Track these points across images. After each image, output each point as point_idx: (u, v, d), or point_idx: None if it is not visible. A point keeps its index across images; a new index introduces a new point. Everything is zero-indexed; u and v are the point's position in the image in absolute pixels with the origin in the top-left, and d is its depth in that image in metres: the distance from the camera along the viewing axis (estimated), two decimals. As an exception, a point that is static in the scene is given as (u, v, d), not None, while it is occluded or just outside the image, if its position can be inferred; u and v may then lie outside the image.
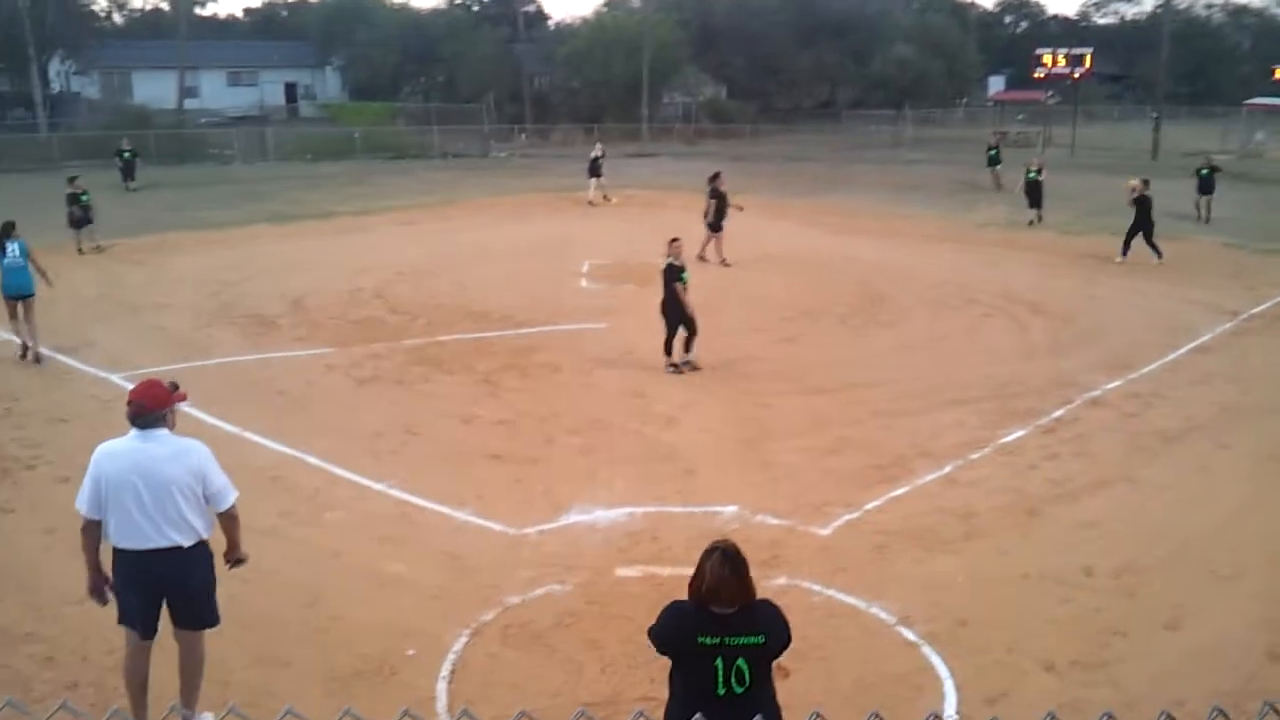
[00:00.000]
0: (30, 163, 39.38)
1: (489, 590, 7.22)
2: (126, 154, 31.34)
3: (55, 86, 57.19)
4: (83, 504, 5.31)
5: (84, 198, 20.77)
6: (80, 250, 20.57)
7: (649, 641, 4.16)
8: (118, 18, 65.08)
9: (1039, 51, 47.49)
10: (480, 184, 34.88)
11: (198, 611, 5.49)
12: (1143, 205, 19.36)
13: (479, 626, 6.73)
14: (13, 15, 46.24)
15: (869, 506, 8.71)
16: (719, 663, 3.92)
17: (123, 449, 5.30)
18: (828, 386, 12.23)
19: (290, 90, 64.93)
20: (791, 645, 4.14)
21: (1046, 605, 7.04)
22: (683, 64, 60.45)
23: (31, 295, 13.16)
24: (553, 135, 54.97)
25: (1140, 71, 70.91)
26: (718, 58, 64.98)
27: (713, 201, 19.64)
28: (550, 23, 75.12)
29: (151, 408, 5.32)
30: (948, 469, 9.56)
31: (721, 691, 3.92)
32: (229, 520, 5.50)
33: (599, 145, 30.97)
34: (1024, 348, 14.05)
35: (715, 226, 19.69)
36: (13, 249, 13.12)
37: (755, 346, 14.05)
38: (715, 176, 20.04)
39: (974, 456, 9.89)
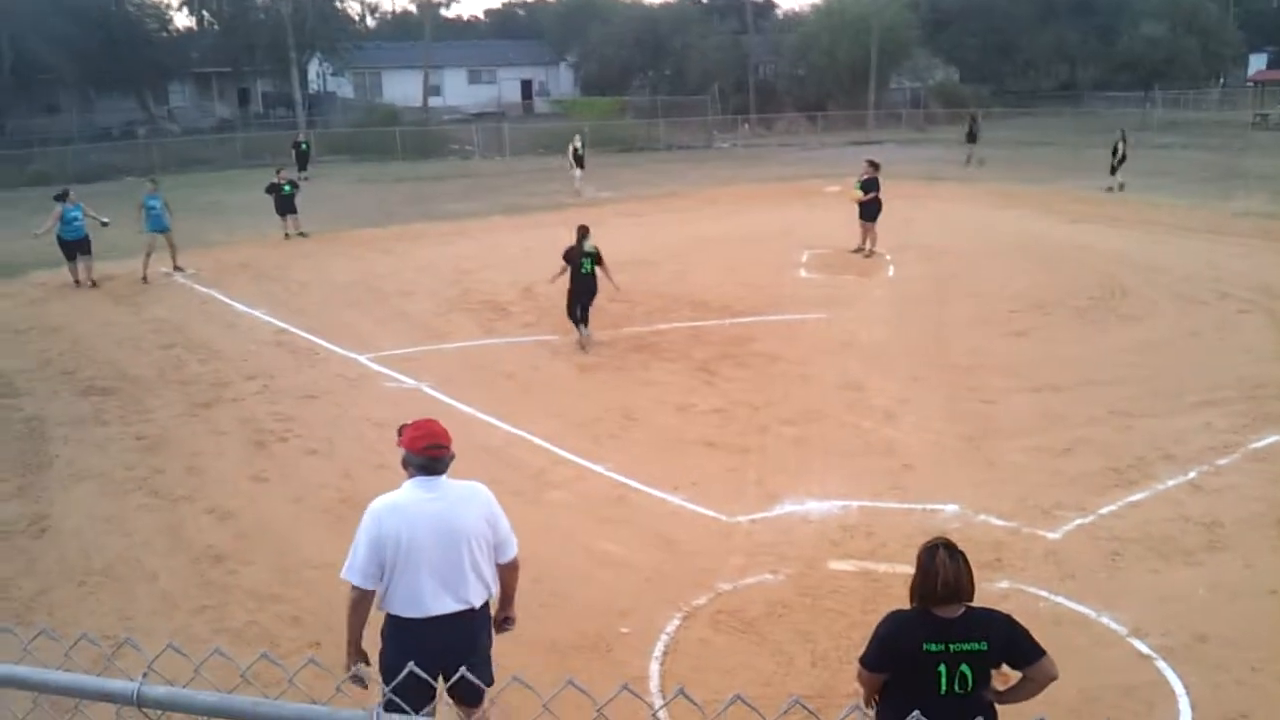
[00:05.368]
0: (290, 158, 42.81)
1: (701, 575, 7.34)
2: (303, 146, 33.64)
3: (313, 87, 61.65)
4: (355, 573, 4.44)
5: (286, 189, 22.65)
6: (286, 236, 22.70)
7: (860, 668, 4.07)
8: (370, 21, 69.60)
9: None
10: (704, 174, 35.14)
11: (481, 681, 4.45)
12: None
13: (691, 610, 6.85)
14: (277, 22, 50.48)
15: (1103, 511, 8.27)
16: (942, 669, 3.87)
17: (408, 501, 4.50)
18: (1061, 383, 11.65)
19: (526, 87, 67.39)
20: (1039, 656, 3.94)
21: (1298, 625, 6.50)
22: (912, 47, 58.81)
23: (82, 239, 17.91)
24: (776, 124, 54.69)
25: None
26: (950, 39, 62.88)
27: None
28: (778, 12, 74.92)
29: (450, 451, 4.58)
30: (1192, 474, 8.95)
31: (943, 691, 3.88)
32: (512, 571, 4.79)
33: (578, 135, 30.67)
34: (1285, 346, 12.93)
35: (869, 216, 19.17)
36: (73, 211, 17.65)
37: (981, 340, 13.56)
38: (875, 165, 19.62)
39: (1222, 462, 9.21)
